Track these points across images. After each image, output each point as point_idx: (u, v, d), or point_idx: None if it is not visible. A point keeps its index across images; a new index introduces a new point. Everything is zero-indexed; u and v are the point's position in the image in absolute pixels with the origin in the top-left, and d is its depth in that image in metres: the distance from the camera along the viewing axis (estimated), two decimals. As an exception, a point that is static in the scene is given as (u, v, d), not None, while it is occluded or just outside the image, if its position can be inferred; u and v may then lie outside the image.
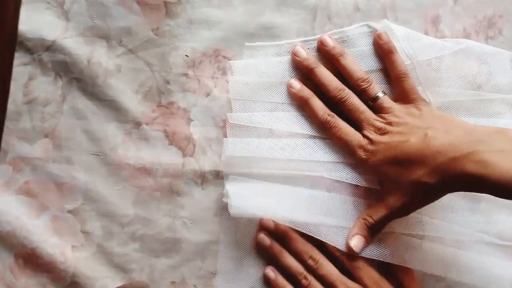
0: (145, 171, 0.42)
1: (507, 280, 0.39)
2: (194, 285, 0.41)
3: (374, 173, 0.39)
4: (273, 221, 0.40)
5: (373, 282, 0.38)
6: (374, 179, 0.40)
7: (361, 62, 0.41)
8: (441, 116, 0.38)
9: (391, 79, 0.40)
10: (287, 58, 0.42)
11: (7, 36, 0.43)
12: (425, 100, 0.39)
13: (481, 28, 0.42)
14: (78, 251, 0.42)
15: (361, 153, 0.39)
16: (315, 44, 0.41)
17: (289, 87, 0.41)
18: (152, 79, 0.42)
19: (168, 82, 0.42)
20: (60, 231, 0.42)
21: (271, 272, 0.40)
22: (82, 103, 0.42)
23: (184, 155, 0.42)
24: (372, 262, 0.40)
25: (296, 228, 0.39)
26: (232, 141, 0.41)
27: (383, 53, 0.40)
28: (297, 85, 0.41)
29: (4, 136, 0.42)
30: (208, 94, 0.42)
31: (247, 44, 0.42)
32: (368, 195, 0.41)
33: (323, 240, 0.40)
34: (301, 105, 0.41)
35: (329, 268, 0.39)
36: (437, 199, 0.37)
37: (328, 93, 0.40)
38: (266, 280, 0.41)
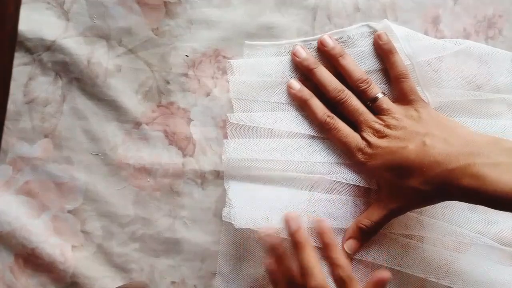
0: (145, 171, 0.42)
1: (506, 283, 0.39)
2: (194, 285, 0.41)
3: (372, 175, 0.40)
4: None
5: None
6: (373, 180, 0.40)
7: (361, 62, 0.41)
8: (439, 120, 0.38)
9: (391, 80, 0.40)
10: (287, 58, 0.42)
11: (7, 36, 0.43)
12: (424, 101, 0.39)
13: (481, 28, 0.42)
14: (78, 251, 0.42)
15: (360, 156, 0.39)
16: (315, 44, 0.41)
17: (288, 87, 0.41)
18: (152, 79, 0.42)
19: (168, 82, 0.42)
20: (60, 231, 0.42)
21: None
22: (82, 103, 0.42)
23: (184, 155, 0.42)
24: (370, 265, 0.40)
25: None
26: (233, 143, 0.41)
27: (383, 53, 0.40)
28: (296, 85, 0.41)
29: (4, 136, 0.42)
30: (208, 94, 0.42)
31: (247, 42, 0.42)
32: (368, 196, 0.41)
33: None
34: (301, 106, 0.41)
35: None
36: (433, 204, 0.38)
37: (328, 94, 0.40)
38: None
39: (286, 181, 0.41)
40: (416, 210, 0.40)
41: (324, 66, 0.41)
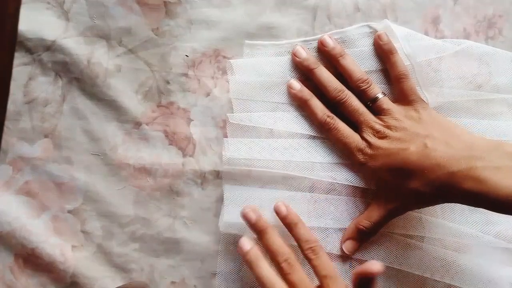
0: (145, 171, 0.42)
1: (506, 282, 0.39)
2: (194, 285, 0.41)
3: (371, 176, 0.40)
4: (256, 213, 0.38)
5: None
6: (372, 181, 0.40)
7: (361, 62, 0.41)
8: (439, 121, 0.38)
9: (391, 80, 0.40)
10: (287, 58, 0.42)
11: (7, 36, 0.43)
12: (424, 101, 0.39)
13: (481, 28, 0.42)
14: (78, 251, 0.42)
15: (360, 156, 0.39)
16: (315, 44, 0.41)
17: (289, 87, 0.41)
18: (152, 79, 0.42)
19: (168, 82, 0.42)
20: (60, 231, 0.42)
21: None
22: (82, 103, 0.42)
23: (184, 155, 0.42)
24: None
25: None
26: (232, 142, 0.41)
27: (383, 53, 0.40)
28: (297, 85, 0.41)
29: (4, 136, 0.42)
30: (208, 94, 0.42)
31: (247, 42, 0.42)
32: (368, 196, 0.41)
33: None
34: (301, 106, 0.41)
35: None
36: (433, 205, 0.38)
37: (328, 94, 0.40)
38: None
39: (285, 181, 0.41)
40: (416, 209, 0.40)
41: (324, 66, 0.41)
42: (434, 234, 0.40)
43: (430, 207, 0.40)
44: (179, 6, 0.42)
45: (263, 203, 0.40)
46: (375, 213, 0.38)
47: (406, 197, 0.37)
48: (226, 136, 0.41)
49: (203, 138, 0.42)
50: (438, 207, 0.40)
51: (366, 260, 0.40)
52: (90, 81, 0.42)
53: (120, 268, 0.41)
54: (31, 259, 0.41)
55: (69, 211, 0.42)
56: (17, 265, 0.41)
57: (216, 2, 0.42)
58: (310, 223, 0.40)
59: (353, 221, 0.40)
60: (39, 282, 0.41)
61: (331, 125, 0.40)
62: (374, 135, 0.38)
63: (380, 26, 0.41)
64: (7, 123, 0.42)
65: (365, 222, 0.38)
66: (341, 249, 0.40)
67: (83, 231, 0.42)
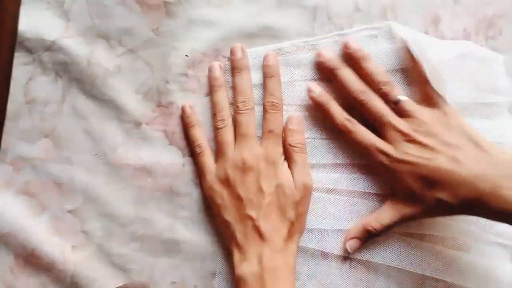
0: (145, 171, 0.42)
1: (507, 281, 0.39)
2: (194, 286, 0.41)
3: (393, 179, 0.38)
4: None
5: None
6: (374, 182, 0.40)
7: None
8: (466, 129, 0.37)
9: (416, 82, 0.40)
10: (287, 58, 0.42)
11: (7, 36, 0.43)
12: (450, 104, 0.38)
13: (481, 28, 0.42)
14: (78, 251, 0.42)
15: (383, 158, 0.38)
16: (315, 44, 0.41)
17: (308, 91, 0.41)
18: (152, 79, 0.42)
19: (168, 82, 0.42)
20: (60, 231, 0.42)
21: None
22: (82, 103, 0.42)
23: (184, 155, 0.42)
24: (371, 264, 0.40)
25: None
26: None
27: (409, 56, 0.40)
28: (317, 89, 0.40)
29: (4, 136, 0.42)
30: (208, 94, 0.42)
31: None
32: (368, 196, 0.41)
33: (322, 248, 0.40)
34: (319, 110, 0.41)
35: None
36: (452, 215, 0.38)
37: (350, 95, 0.39)
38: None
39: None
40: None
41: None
42: (434, 232, 0.40)
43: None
44: (179, 6, 0.42)
45: None
46: (387, 216, 0.38)
47: (428, 205, 0.36)
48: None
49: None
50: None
51: (366, 260, 0.40)
52: (90, 81, 0.42)
53: (120, 268, 0.41)
54: (31, 259, 0.41)
55: (69, 211, 0.42)
56: (17, 265, 0.41)
57: (216, 2, 0.42)
58: (310, 224, 0.40)
59: (361, 221, 0.39)
60: (39, 282, 0.41)
61: (350, 127, 0.39)
62: (399, 136, 0.38)
63: (383, 28, 0.41)
64: (7, 123, 0.42)
65: (375, 224, 0.38)
66: (344, 249, 0.40)
67: (83, 231, 0.42)
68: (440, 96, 0.38)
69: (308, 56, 0.41)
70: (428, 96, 0.39)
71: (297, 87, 0.41)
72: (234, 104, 0.40)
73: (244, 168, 0.38)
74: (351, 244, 0.39)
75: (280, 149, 0.39)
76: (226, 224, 0.38)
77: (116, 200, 0.42)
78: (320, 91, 0.40)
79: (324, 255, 0.41)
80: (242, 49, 0.41)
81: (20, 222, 0.41)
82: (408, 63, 0.40)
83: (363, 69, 0.39)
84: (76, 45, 0.42)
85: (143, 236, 0.42)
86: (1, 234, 0.41)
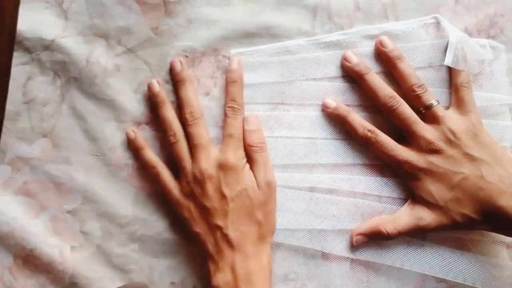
0: (145, 171, 0.42)
1: (509, 282, 0.39)
2: (194, 286, 0.41)
3: (416, 188, 0.38)
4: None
5: None
6: (376, 183, 0.40)
7: (370, 63, 0.40)
8: (491, 145, 0.37)
9: (451, 86, 0.40)
10: (286, 58, 0.41)
11: (5, 36, 0.43)
12: (479, 114, 0.38)
13: (482, 27, 0.42)
14: (77, 251, 0.41)
15: (406, 167, 0.38)
16: (316, 43, 0.41)
17: (324, 107, 0.40)
18: (151, 78, 0.42)
19: (167, 82, 0.42)
20: (59, 232, 0.42)
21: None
22: (81, 103, 0.42)
23: (183, 155, 0.42)
24: (371, 264, 0.40)
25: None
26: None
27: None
28: (332, 104, 0.40)
29: (3, 136, 0.42)
30: (207, 94, 0.42)
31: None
32: (368, 196, 0.40)
33: (322, 248, 0.40)
34: (340, 122, 0.41)
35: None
36: (473, 230, 0.39)
37: (378, 100, 0.39)
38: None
39: (285, 181, 0.41)
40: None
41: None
42: (436, 232, 0.40)
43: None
44: (178, 5, 0.42)
45: None
46: (403, 222, 0.38)
47: (452, 219, 0.37)
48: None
49: (203, 138, 0.42)
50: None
51: (366, 260, 0.40)
52: (89, 80, 0.42)
53: (119, 268, 0.41)
54: (30, 260, 0.41)
55: (68, 212, 0.42)
56: (16, 266, 0.41)
57: (215, 1, 0.42)
58: (310, 224, 0.40)
59: (377, 220, 0.39)
60: (38, 282, 0.41)
61: (373, 139, 0.39)
62: (426, 146, 0.37)
63: (431, 20, 0.41)
64: (5, 123, 0.42)
65: (390, 228, 0.38)
66: (346, 246, 0.40)
67: (82, 232, 0.42)
68: (473, 104, 0.38)
69: (309, 56, 0.41)
70: (460, 101, 0.39)
71: (298, 87, 0.41)
72: (182, 116, 0.40)
73: (203, 179, 0.38)
74: (358, 239, 0.39)
75: (241, 152, 0.39)
76: (198, 236, 0.38)
77: (115, 200, 0.42)
78: (335, 105, 0.40)
79: (325, 255, 0.40)
80: (180, 62, 0.41)
81: (19, 222, 0.41)
82: (438, 63, 0.40)
83: (397, 70, 0.39)
84: (75, 45, 0.42)
85: (142, 236, 0.41)
86: (0, 234, 0.41)
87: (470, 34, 0.42)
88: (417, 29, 0.41)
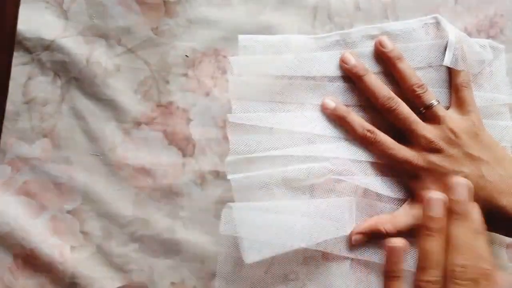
0: (145, 171, 0.42)
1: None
2: (194, 286, 0.41)
3: (416, 187, 0.38)
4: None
5: None
6: (376, 182, 0.40)
7: (370, 64, 0.40)
8: (492, 145, 0.37)
9: (451, 86, 0.40)
10: (287, 56, 0.41)
11: (6, 36, 0.43)
12: (479, 114, 0.38)
13: (482, 27, 0.42)
14: (77, 251, 0.41)
15: (407, 166, 0.38)
16: (316, 41, 0.41)
17: (323, 108, 0.40)
18: (152, 78, 0.42)
19: (167, 82, 0.42)
20: (59, 231, 0.42)
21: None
22: (81, 103, 0.42)
23: (183, 155, 0.42)
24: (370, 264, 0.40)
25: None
26: (235, 142, 0.40)
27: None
28: (331, 104, 0.40)
29: (3, 136, 0.42)
30: (207, 94, 0.42)
31: (240, 36, 0.40)
32: (368, 196, 0.40)
33: (324, 249, 0.40)
34: (339, 123, 0.40)
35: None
36: None
37: (376, 101, 0.39)
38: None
39: (285, 181, 0.41)
40: None
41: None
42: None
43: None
44: (178, 5, 0.42)
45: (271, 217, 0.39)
46: (402, 222, 0.38)
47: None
48: (226, 136, 0.41)
49: (203, 138, 0.42)
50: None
51: (366, 260, 0.40)
52: (89, 80, 0.42)
53: (120, 268, 0.41)
54: (30, 260, 0.41)
55: (68, 212, 0.42)
56: (16, 266, 0.41)
57: (215, 1, 0.42)
58: (310, 224, 0.40)
59: (375, 219, 0.39)
60: (38, 282, 0.41)
61: (372, 139, 0.39)
62: (425, 144, 0.37)
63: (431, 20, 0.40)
64: (5, 123, 0.42)
65: (389, 227, 0.38)
66: (349, 242, 0.39)
67: (82, 232, 0.42)
68: (473, 104, 0.38)
69: (308, 56, 0.41)
70: (460, 101, 0.39)
71: (298, 86, 0.41)
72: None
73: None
74: (356, 238, 0.39)
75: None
76: None
77: (116, 200, 0.42)
78: (334, 105, 0.40)
79: (325, 255, 0.40)
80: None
81: (19, 222, 0.41)
82: (438, 63, 0.40)
83: (397, 70, 0.39)
84: (75, 45, 0.42)
85: (143, 236, 0.41)
86: (0, 234, 0.41)
87: (470, 34, 0.42)
88: (417, 29, 0.41)
